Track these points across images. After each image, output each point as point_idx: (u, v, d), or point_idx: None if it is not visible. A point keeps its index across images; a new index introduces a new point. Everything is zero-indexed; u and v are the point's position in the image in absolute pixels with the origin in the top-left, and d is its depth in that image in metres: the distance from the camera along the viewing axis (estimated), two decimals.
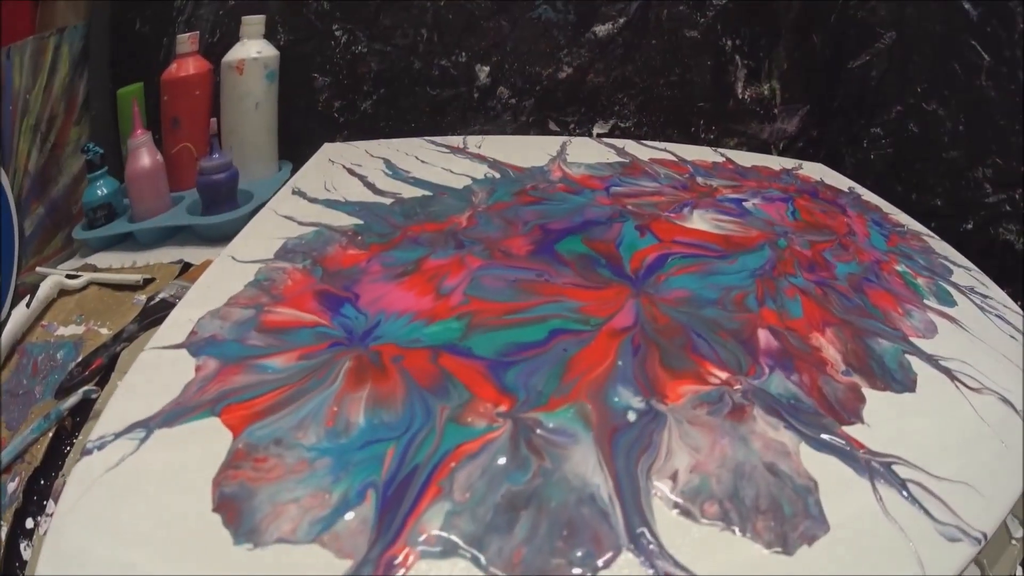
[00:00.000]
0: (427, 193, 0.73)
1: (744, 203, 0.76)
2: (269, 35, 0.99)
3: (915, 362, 0.50)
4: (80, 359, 0.63)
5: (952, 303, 0.60)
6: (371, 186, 0.75)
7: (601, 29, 1.05)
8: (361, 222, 0.65)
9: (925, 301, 0.59)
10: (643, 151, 0.89)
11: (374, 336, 0.47)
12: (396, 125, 1.09)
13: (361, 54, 1.07)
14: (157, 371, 0.44)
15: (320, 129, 1.08)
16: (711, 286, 0.57)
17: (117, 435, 0.38)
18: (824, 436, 0.41)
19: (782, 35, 1.06)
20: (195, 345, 0.46)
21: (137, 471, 0.36)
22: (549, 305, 0.52)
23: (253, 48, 0.95)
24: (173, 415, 0.40)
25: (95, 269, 0.80)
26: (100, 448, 0.38)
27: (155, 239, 0.86)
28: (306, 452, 0.37)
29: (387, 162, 0.82)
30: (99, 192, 0.87)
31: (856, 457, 0.40)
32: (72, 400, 0.58)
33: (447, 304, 0.52)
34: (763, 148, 1.10)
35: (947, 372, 0.49)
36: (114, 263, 0.82)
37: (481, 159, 0.83)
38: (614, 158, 0.86)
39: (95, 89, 1.00)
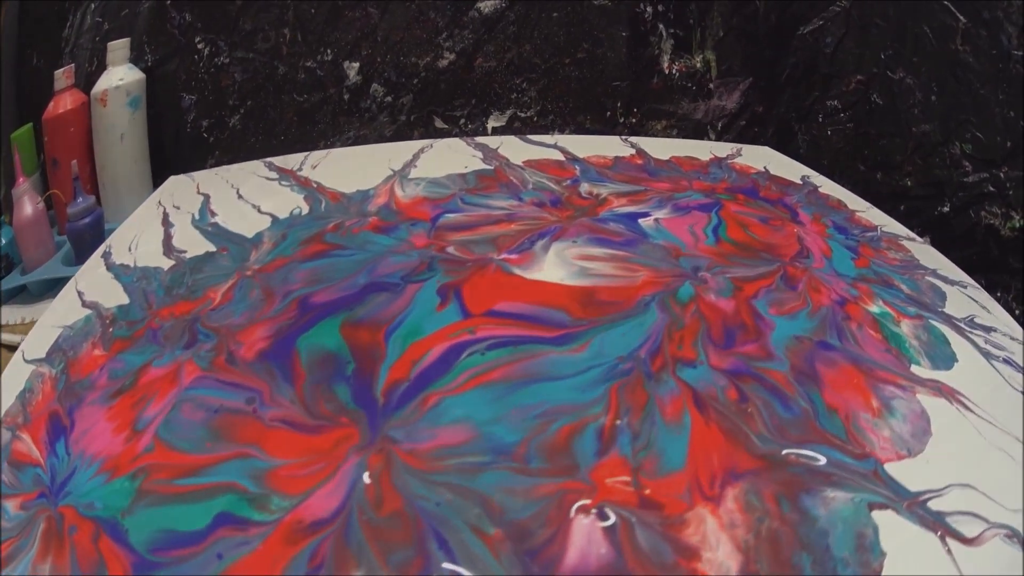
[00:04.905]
0: (211, 248, 0.50)
1: (641, 220, 0.50)
2: (137, 57, 0.88)
3: (885, 524, 0.28)
4: None
5: (950, 359, 0.39)
6: (166, 242, 0.53)
7: (486, 4, 0.85)
8: (127, 301, 0.47)
9: (913, 368, 0.37)
10: (524, 150, 0.64)
11: (65, 491, 0.34)
12: (265, 140, 0.92)
13: (224, 65, 0.89)
14: None
15: (190, 153, 0.91)
16: (519, 412, 0.31)
17: None
18: None
19: None
20: None
21: None
22: (231, 464, 0.32)
23: (116, 76, 0.85)
24: None
25: None
26: None
27: (44, 291, 0.79)
28: None
29: (206, 200, 0.58)
30: None
31: None
32: None
33: (133, 449, 0.35)
34: (699, 130, 0.91)
35: (939, 522, 0.29)
36: (11, 318, 0.75)
37: (305, 186, 0.58)
38: (479, 164, 0.60)
39: (4, 132, 0.90)
